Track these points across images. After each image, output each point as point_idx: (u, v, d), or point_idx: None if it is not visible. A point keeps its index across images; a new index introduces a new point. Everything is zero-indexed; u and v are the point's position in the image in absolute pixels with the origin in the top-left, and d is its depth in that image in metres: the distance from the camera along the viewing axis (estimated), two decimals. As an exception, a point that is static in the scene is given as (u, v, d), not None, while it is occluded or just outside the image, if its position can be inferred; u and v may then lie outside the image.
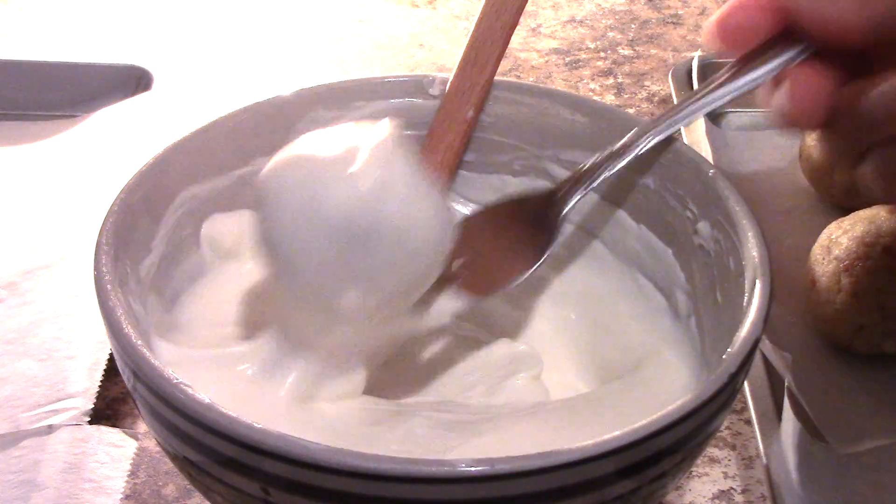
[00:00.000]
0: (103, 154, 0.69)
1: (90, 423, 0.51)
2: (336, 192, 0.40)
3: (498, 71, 0.53)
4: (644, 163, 0.50)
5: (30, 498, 0.47)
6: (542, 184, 0.54)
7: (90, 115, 0.72)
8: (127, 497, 0.48)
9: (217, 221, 0.51)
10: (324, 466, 0.35)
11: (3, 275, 0.59)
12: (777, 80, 0.44)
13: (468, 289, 0.46)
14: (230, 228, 0.51)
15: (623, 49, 0.83)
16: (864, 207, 0.56)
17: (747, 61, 0.45)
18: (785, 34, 0.44)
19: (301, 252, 0.41)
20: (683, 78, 0.74)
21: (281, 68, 0.81)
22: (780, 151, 0.68)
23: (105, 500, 0.48)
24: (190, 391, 0.37)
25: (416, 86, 0.53)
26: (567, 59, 0.82)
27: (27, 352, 0.55)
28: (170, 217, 0.48)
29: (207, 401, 0.36)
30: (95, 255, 0.42)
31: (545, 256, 0.47)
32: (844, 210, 0.59)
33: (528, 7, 0.52)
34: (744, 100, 0.73)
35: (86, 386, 0.52)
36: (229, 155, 0.51)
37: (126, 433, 0.51)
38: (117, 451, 0.50)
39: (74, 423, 0.50)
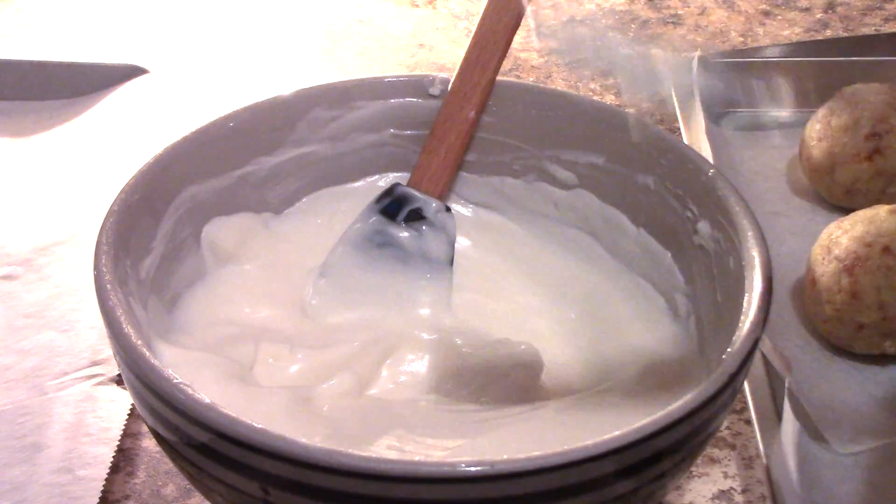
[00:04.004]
0: (115, 135, 0.69)
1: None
2: None
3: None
4: (644, 163, 0.50)
5: (34, 459, 0.48)
6: (541, 184, 0.54)
7: (100, 100, 0.72)
8: (127, 497, 0.48)
9: (217, 225, 0.51)
10: (323, 466, 0.35)
11: (18, 252, 0.61)
12: None
13: None
14: (230, 232, 0.51)
15: (623, 49, 0.83)
16: (864, 207, 0.56)
17: None
18: None
19: None
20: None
21: (281, 68, 0.81)
22: (780, 151, 0.68)
23: (102, 448, 0.49)
24: (190, 391, 0.37)
25: (416, 86, 0.53)
26: (567, 59, 0.82)
27: (48, 324, 0.56)
28: (170, 217, 0.48)
29: (207, 401, 0.36)
30: (95, 255, 0.42)
31: None
32: (844, 210, 0.59)
33: (528, 7, 0.52)
34: (744, 100, 0.74)
35: (110, 353, 0.53)
36: (229, 155, 0.51)
37: (123, 388, 0.51)
38: (114, 406, 0.51)
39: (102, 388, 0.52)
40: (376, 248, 0.52)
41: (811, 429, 0.50)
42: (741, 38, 0.84)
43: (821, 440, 0.49)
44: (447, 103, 0.52)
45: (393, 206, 0.52)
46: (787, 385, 0.51)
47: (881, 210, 0.54)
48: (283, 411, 0.43)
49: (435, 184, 0.52)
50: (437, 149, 0.52)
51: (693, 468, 0.49)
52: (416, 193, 0.52)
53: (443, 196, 0.52)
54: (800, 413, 0.50)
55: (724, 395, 0.38)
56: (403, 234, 0.52)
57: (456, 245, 0.53)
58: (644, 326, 0.49)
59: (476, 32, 0.52)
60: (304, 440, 0.35)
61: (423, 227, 0.52)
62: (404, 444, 0.42)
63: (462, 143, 0.52)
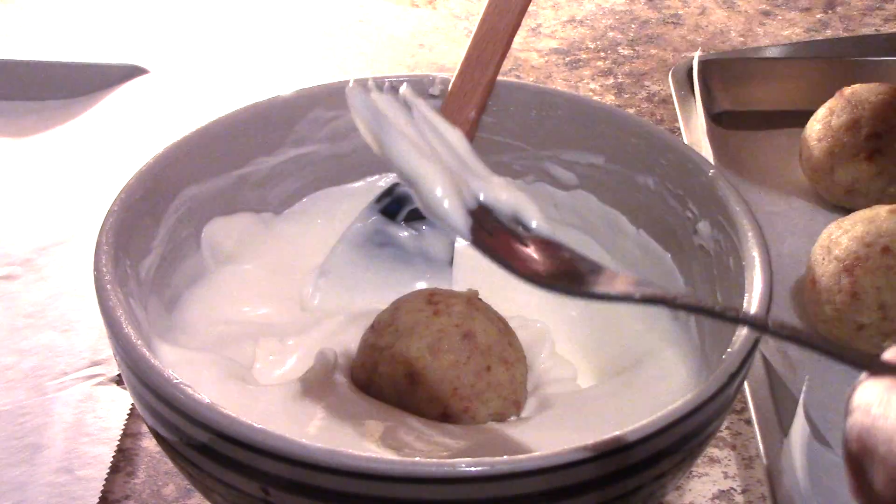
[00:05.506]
0: (115, 135, 0.70)
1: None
2: None
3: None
4: (644, 163, 0.50)
5: (34, 459, 0.49)
6: (541, 185, 0.54)
7: (100, 100, 0.73)
8: (127, 497, 0.48)
9: (217, 225, 0.51)
10: (323, 466, 0.35)
11: (18, 252, 0.61)
12: None
13: None
14: (230, 232, 0.51)
15: (623, 49, 0.83)
16: (864, 207, 0.56)
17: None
18: None
19: None
20: (683, 78, 0.73)
21: (281, 68, 0.81)
22: (780, 151, 0.68)
23: (102, 448, 0.49)
24: (190, 391, 0.37)
25: (416, 86, 0.53)
26: (567, 59, 0.82)
27: (49, 324, 0.56)
28: (170, 217, 0.48)
29: (207, 401, 0.36)
30: (95, 255, 0.42)
31: None
32: (844, 210, 0.59)
33: (529, 7, 0.52)
34: (744, 100, 0.74)
35: (110, 353, 0.53)
36: (229, 155, 0.51)
37: (123, 388, 0.52)
38: (114, 406, 0.51)
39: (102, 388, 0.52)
40: (377, 248, 0.52)
41: (813, 430, 0.50)
42: (741, 38, 0.84)
43: (822, 442, 0.49)
44: (448, 103, 0.52)
45: (393, 206, 0.52)
46: (787, 386, 0.51)
47: (881, 210, 0.54)
48: (282, 409, 0.43)
49: None
50: None
51: (693, 468, 0.49)
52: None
53: None
54: (802, 414, 0.50)
55: (724, 395, 0.38)
56: (403, 233, 0.52)
57: (456, 245, 0.53)
58: (644, 325, 0.49)
59: (476, 32, 0.52)
60: (304, 440, 0.35)
61: (424, 227, 0.52)
62: (404, 444, 0.42)
63: None
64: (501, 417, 0.45)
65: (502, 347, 0.45)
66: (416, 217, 0.52)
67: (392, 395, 0.44)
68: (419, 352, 0.44)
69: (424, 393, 0.43)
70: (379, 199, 0.52)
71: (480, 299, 0.47)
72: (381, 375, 0.44)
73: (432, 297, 0.46)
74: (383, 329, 0.45)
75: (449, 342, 0.44)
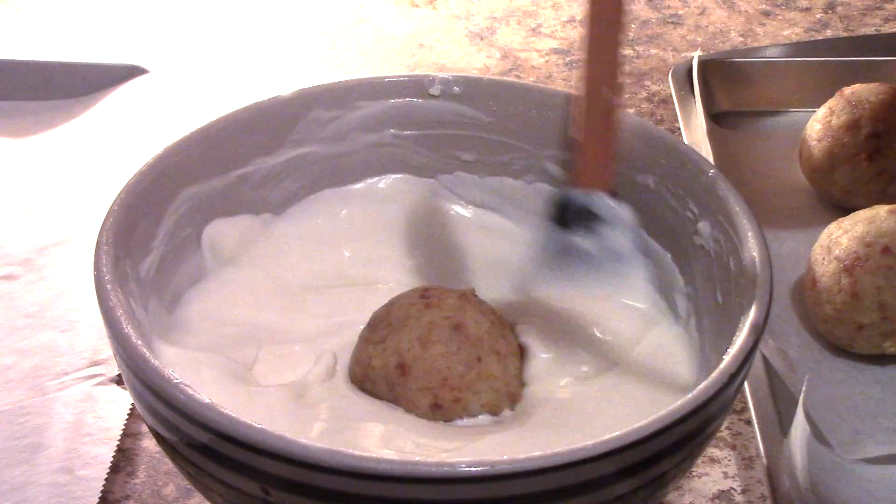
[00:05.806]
0: (115, 135, 0.70)
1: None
2: None
3: (497, 71, 0.52)
4: (644, 163, 0.50)
5: (34, 459, 0.49)
6: (541, 184, 0.54)
7: (100, 100, 0.73)
8: (127, 497, 0.48)
9: (218, 226, 0.51)
10: (324, 466, 0.35)
11: (17, 252, 0.61)
12: None
13: None
14: (231, 233, 0.51)
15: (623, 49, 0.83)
16: (864, 207, 0.56)
17: None
18: None
19: None
20: (683, 78, 0.73)
21: (281, 68, 0.81)
22: (780, 151, 0.68)
23: (102, 448, 0.49)
24: (190, 391, 0.37)
25: (416, 86, 0.53)
26: (567, 59, 0.81)
27: (49, 324, 0.56)
28: (170, 217, 0.48)
29: (207, 401, 0.36)
30: (95, 255, 0.42)
31: None
32: (844, 210, 0.59)
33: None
34: (744, 100, 0.74)
35: (110, 353, 0.53)
36: (229, 155, 0.51)
37: (123, 388, 0.52)
38: (114, 406, 0.51)
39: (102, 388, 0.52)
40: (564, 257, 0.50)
41: (814, 431, 0.50)
42: (741, 38, 0.84)
43: (824, 443, 0.49)
44: (581, 88, 0.48)
45: (564, 214, 0.50)
46: (787, 385, 0.51)
47: (881, 210, 0.54)
48: (282, 409, 0.43)
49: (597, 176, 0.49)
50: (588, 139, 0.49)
51: (693, 468, 0.49)
52: (581, 193, 0.49)
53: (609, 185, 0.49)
54: (801, 414, 0.50)
55: (724, 395, 0.38)
56: (582, 238, 0.50)
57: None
58: (644, 326, 0.49)
59: (589, 9, 0.48)
60: (304, 440, 0.35)
61: (597, 227, 0.50)
62: (404, 444, 0.42)
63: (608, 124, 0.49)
64: (495, 409, 0.45)
65: (494, 339, 0.45)
66: (587, 217, 0.50)
67: (384, 387, 0.45)
68: (409, 343, 0.44)
69: (415, 383, 0.44)
70: (552, 216, 0.50)
71: (475, 295, 0.47)
72: (375, 369, 0.45)
73: (426, 293, 0.46)
74: (377, 325, 0.46)
75: (439, 333, 0.45)
